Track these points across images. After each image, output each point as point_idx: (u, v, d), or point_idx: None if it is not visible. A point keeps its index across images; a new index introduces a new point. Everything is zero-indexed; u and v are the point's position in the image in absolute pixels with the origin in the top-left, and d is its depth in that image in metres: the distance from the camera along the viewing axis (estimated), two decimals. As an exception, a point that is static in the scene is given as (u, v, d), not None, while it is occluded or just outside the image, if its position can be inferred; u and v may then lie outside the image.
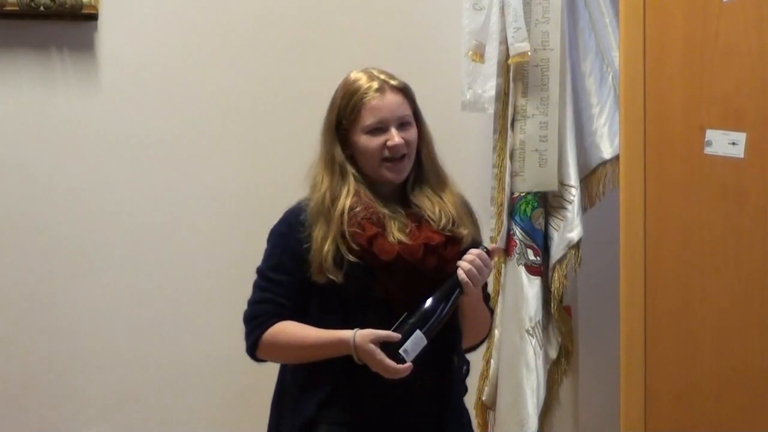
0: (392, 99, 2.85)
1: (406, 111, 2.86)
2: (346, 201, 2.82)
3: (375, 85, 2.85)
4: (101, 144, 3.98)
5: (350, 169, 2.86)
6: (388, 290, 2.78)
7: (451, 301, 2.77)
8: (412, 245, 2.79)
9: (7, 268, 3.95)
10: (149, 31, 4.00)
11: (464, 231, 2.87)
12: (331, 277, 2.77)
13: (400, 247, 2.78)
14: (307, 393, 2.80)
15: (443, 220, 2.85)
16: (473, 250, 2.82)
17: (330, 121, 2.89)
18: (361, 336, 2.72)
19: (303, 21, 4.08)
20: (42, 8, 3.86)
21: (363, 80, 2.87)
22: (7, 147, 3.95)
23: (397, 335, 2.71)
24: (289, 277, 2.82)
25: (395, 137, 2.82)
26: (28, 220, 3.96)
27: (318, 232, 2.80)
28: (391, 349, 2.70)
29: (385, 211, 2.83)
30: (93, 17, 3.93)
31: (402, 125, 2.85)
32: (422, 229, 2.83)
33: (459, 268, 2.79)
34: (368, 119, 2.84)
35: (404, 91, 2.88)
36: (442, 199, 2.88)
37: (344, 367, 2.75)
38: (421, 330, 2.72)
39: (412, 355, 2.71)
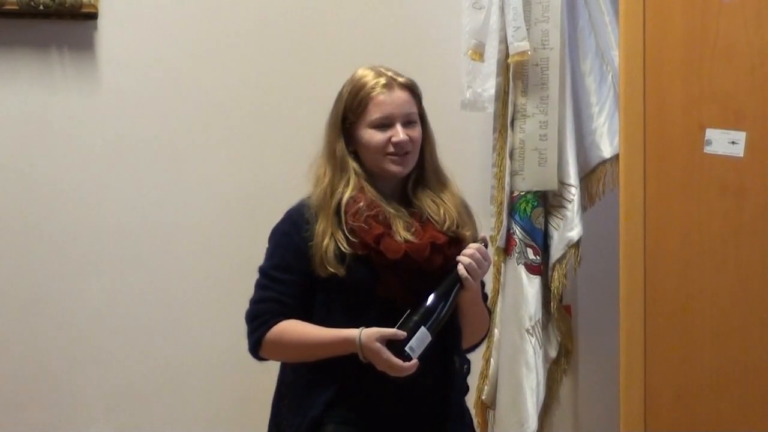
0: (399, 95, 2.86)
1: (413, 109, 2.87)
2: (344, 193, 2.82)
3: (383, 81, 2.86)
4: (101, 143, 3.98)
5: (351, 164, 2.86)
6: (391, 289, 2.78)
7: (452, 297, 2.77)
8: (419, 244, 2.80)
9: (6, 268, 3.94)
10: (149, 31, 4.00)
11: (467, 233, 2.88)
12: (332, 270, 2.77)
13: (407, 245, 2.79)
14: (313, 392, 2.80)
15: (447, 222, 2.85)
16: (472, 245, 2.83)
17: (335, 116, 2.90)
18: (367, 335, 2.72)
19: (303, 21, 4.07)
20: (41, 7, 3.86)
21: (370, 76, 2.88)
22: (7, 146, 3.94)
23: (402, 333, 2.71)
24: (292, 276, 2.82)
25: (400, 133, 2.83)
26: (27, 220, 3.95)
27: (319, 226, 2.81)
28: (396, 347, 2.70)
29: (389, 209, 2.83)
30: (93, 16, 3.92)
31: (408, 123, 2.85)
32: (427, 229, 2.84)
33: (459, 263, 2.79)
34: (375, 114, 2.84)
35: (411, 89, 2.89)
36: (443, 201, 2.89)
37: (350, 366, 2.75)
38: (425, 326, 2.72)
39: (418, 352, 2.71)
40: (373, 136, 2.85)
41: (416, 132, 2.87)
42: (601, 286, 3.88)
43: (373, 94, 2.85)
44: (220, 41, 4.04)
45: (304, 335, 2.79)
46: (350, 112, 2.87)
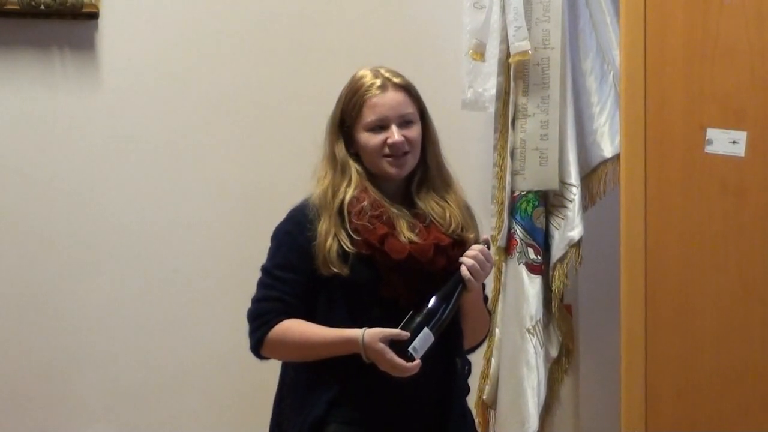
0: (394, 97, 2.85)
1: (409, 109, 2.86)
2: (347, 193, 2.82)
3: (378, 82, 2.85)
4: (101, 143, 3.98)
5: (353, 165, 2.86)
6: (394, 290, 2.78)
7: (455, 298, 2.78)
8: (423, 245, 2.80)
9: (6, 268, 3.94)
10: (150, 31, 4.00)
11: (471, 235, 2.88)
12: (336, 270, 2.77)
13: (411, 246, 2.78)
14: (315, 392, 2.80)
15: (452, 226, 2.85)
16: (475, 246, 2.83)
17: (334, 118, 2.90)
18: (370, 335, 2.71)
19: (303, 20, 4.08)
20: (43, 7, 3.86)
21: (367, 78, 2.87)
22: (7, 146, 3.94)
23: (406, 333, 2.71)
24: (295, 275, 2.82)
25: (395, 135, 2.82)
26: (27, 220, 3.95)
27: (321, 226, 2.81)
28: (399, 347, 2.70)
29: (393, 209, 2.83)
30: (94, 16, 3.92)
31: (404, 123, 2.85)
32: (431, 230, 2.84)
33: (462, 264, 2.79)
34: (369, 116, 2.84)
35: (407, 89, 2.88)
36: (448, 203, 2.88)
37: (352, 366, 2.75)
38: (428, 327, 2.72)
39: (421, 353, 2.71)
40: (369, 139, 2.85)
41: (414, 132, 2.86)
42: (601, 285, 3.88)
43: (367, 96, 2.84)
44: (221, 41, 4.04)
45: (306, 334, 2.79)
46: (347, 114, 2.87)
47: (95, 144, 3.98)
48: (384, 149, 2.83)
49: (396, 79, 2.87)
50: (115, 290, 3.98)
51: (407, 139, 2.84)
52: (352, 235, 2.79)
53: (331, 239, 2.78)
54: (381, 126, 2.84)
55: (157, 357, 4.00)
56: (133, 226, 3.99)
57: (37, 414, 3.94)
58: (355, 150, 2.88)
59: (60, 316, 3.95)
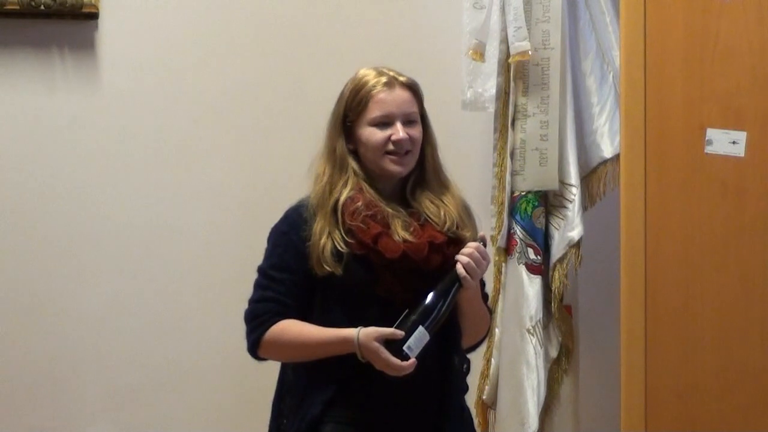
0: (400, 94, 2.85)
1: (413, 108, 2.87)
2: (343, 192, 2.82)
3: (384, 79, 2.86)
4: (101, 143, 3.98)
5: (351, 163, 2.86)
6: (390, 288, 2.78)
7: (450, 296, 2.77)
8: (417, 243, 2.79)
9: (6, 268, 3.95)
10: (150, 31, 4.01)
11: (467, 233, 2.87)
12: (329, 269, 2.77)
13: (405, 245, 2.78)
14: (312, 392, 2.80)
15: (447, 223, 2.85)
16: (471, 244, 2.82)
17: (336, 115, 2.89)
18: (365, 334, 2.71)
19: (303, 20, 4.08)
20: (42, 7, 3.86)
21: (372, 75, 2.87)
22: (7, 146, 3.95)
23: (401, 332, 2.71)
24: (290, 276, 2.82)
25: (400, 132, 2.83)
26: (27, 220, 3.96)
27: (317, 225, 2.81)
28: (394, 346, 2.70)
29: (388, 209, 2.83)
30: (93, 16, 3.93)
31: (408, 122, 2.85)
32: (425, 228, 2.83)
33: (457, 262, 2.79)
34: (375, 112, 2.84)
35: (413, 89, 2.88)
36: (443, 202, 2.88)
37: (349, 365, 2.75)
38: (423, 326, 2.72)
39: (416, 352, 2.71)
40: (372, 134, 2.85)
41: (416, 131, 2.86)
42: (601, 286, 3.88)
43: (374, 92, 2.85)
44: (221, 41, 4.04)
45: (302, 335, 2.79)
46: (351, 110, 2.87)
47: (95, 144, 3.98)
48: (387, 146, 2.83)
49: (401, 78, 2.88)
50: (115, 290, 3.98)
51: (410, 138, 2.84)
52: (345, 236, 2.79)
53: (325, 238, 2.79)
54: (385, 122, 2.84)
55: (157, 357, 4.00)
56: (133, 226, 3.99)
57: (37, 414, 3.95)
58: (354, 147, 2.88)
59: (60, 316, 3.96)
